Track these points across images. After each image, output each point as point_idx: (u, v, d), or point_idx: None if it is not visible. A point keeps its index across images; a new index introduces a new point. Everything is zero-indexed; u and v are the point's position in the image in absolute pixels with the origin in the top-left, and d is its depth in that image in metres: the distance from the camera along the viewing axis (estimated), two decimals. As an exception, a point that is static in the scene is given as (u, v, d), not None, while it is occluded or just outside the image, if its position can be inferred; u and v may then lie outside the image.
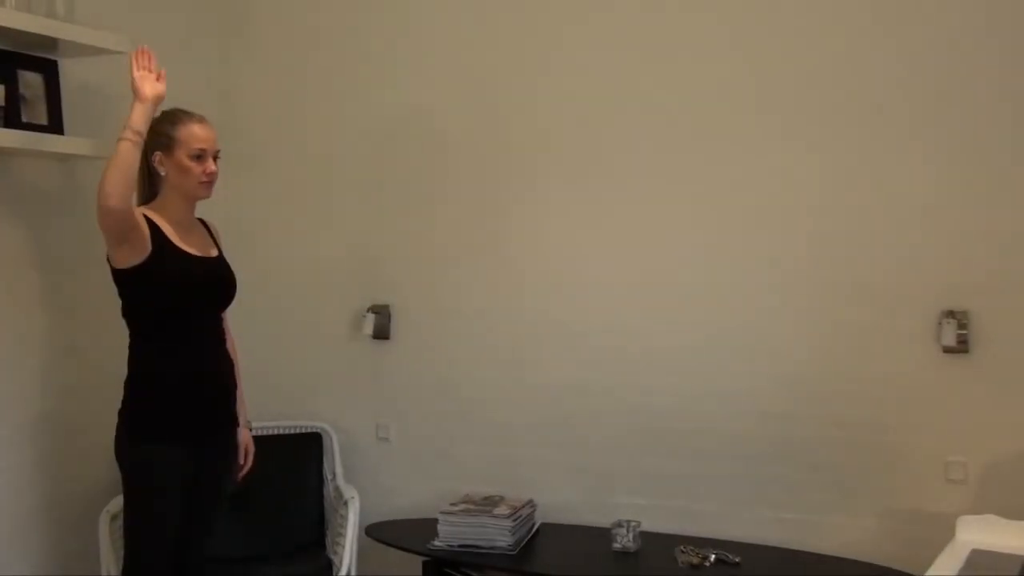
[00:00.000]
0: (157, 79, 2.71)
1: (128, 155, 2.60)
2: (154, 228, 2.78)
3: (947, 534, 2.64)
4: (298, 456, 3.89)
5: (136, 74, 2.67)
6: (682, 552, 3.22)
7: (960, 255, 3.12)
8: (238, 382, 3.08)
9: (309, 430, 3.94)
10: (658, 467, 3.51)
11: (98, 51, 3.28)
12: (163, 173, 2.84)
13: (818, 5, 3.29)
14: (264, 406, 4.07)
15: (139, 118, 2.64)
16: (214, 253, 2.99)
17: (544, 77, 3.68)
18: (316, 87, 4.07)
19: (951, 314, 3.09)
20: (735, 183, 3.40)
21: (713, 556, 3.17)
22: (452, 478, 3.80)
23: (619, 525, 3.30)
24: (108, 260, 2.79)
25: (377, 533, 3.58)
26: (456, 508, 3.42)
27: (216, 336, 2.98)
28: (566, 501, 3.65)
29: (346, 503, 3.66)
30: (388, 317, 3.96)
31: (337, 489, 3.81)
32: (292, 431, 3.94)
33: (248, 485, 3.18)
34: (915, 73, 3.17)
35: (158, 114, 2.79)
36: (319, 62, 4.07)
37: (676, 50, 3.47)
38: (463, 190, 3.84)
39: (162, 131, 2.81)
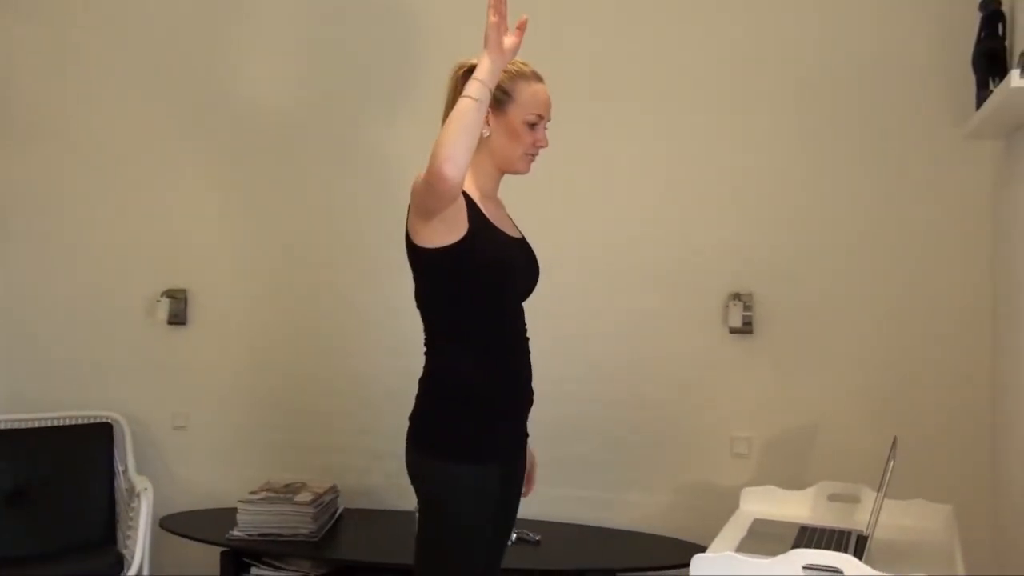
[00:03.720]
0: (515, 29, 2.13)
1: (475, 113, 2.03)
2: (468, 200, 2.21)
3: (732, 505, 2.77)
4: (86, 447, 3.70)
5: (492, 20, 2.06)
6: (484, 532, 3.25)
7: (745, 242, 3.29)
8: None
9: (98, 420, 3.76)
10: (462, 449, 3.53)
11: None
12: (486, 133, 2.26)
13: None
14: (48, 395, 3.88)
15: (490, 72, 2.07)
16: (519, 235, 2.44)
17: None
18: (105, 52, 3.88)
19: (737, 297, 3.26)
20: (533, 170, 3.45)
21: (514, 535, 3.22)
22: (254, 466, 3.71)
23: (422, 508, 3.30)
24: (408, 237, 2.21)
25: (172, 525, 3.45)
26: (256, 496, 3.33)
27: (524, 332, 2.41)
28: (370, 486, 3.63)
29: (138, 495, 3.51)
30: (184, 302, 3.81)
31: (129, 481, 3.65)
32: (79, 421, 3.75)
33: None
34: (704, 65, 3.32)
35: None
36: (107, 21, 3.88)
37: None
38: (271, 168, 3.75)
39: (500, 84, 2.20)
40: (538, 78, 2.31)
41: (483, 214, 2.24)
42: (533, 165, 2.35)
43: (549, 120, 2.33)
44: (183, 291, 3.82)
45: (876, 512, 2.23)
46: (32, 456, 3.64)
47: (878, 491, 2.27)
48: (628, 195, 3.40)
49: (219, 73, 3.78)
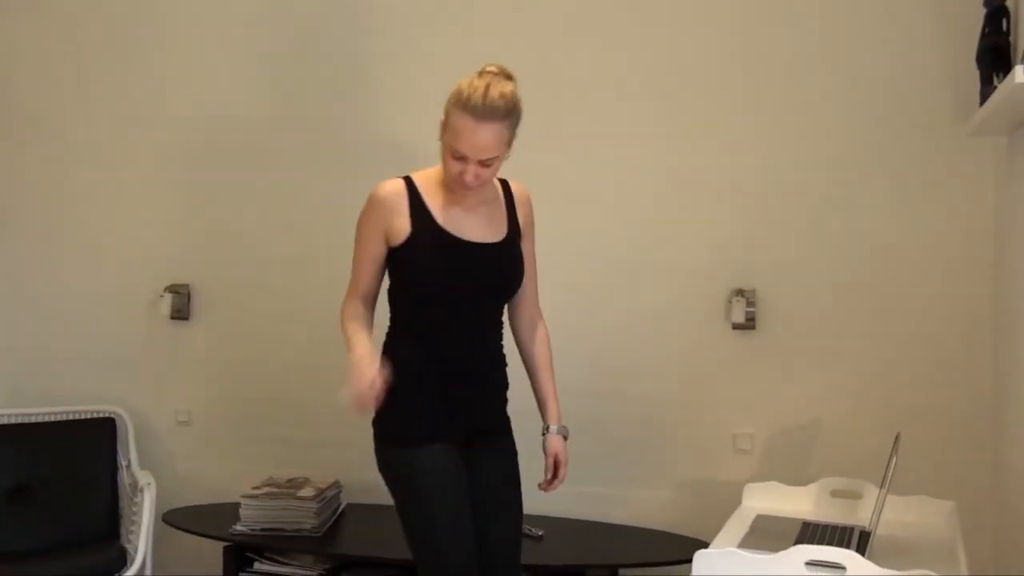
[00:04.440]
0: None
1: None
2: (418, 205, 2.32)
3: (735, 501, 2.78)
4: (89, 443, 3.71)
5: (365, 383, 2.27)
6: (487, 528, 3.26)
7: (748, 238, 3.28)
8: (544, 380, 2.54)
9: (101, 415, 3.76)
10: (464, 445, 3.54)
11: None
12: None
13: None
14: (51, 390, 3.88)
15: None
16: (495, 238, 2.40)
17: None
18: (106, 50, 3.88)
19: (740, 292, 3.26)
20: (535, 166, 3.45)
21: (517, 531, 3.22)
22: (256, 461, 3.71)
23: (425, 503, 3.31)
24: None
25: (175, 520, 3.46)
26: (259, 491, 3.34)
27: (486, 331, 2.43)
28: (373, 481, 3.58)
29: (141, 490, 3.52)
30: (187, 297, 3.82)
31: (132, 476, 3.65)
32: (82, 416, 3.76)
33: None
34: (707, 63, 3.31)
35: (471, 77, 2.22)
36: (110, 20, 3.88)
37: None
38: (273, 163, 3.75)
39: (448, 100, 2.22)
40: (473, 114, 2.16)
41: (432, 218, 2.32)
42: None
43: (482, 158, 2.20)
44: (186, 286, 3.83)
45: (879, 508, 2.23)
46: (35, 451, 3.64)
47: (881, 487, 2.27)
48: (631, 191, 3.39)
49: (221, 71, 3.78)
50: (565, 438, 2.56)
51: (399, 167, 2.52)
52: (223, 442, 3.81)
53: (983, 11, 2.73)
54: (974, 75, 2.79)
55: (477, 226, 2.38)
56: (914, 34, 3.11)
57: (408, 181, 2.37)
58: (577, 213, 3.43)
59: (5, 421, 3.70)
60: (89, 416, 3.76)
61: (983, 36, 2.72)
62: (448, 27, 3.54)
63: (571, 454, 3.42)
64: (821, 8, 3.20)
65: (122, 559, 3.43)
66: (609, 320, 3.41)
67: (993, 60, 2.67)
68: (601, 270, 3.42)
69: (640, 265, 3.38)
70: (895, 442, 2.41)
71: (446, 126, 2.24)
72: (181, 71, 3.82)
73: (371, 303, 2.46)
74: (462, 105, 2.19)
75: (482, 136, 2.18)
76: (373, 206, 2.35)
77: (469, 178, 2.24)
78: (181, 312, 3.81)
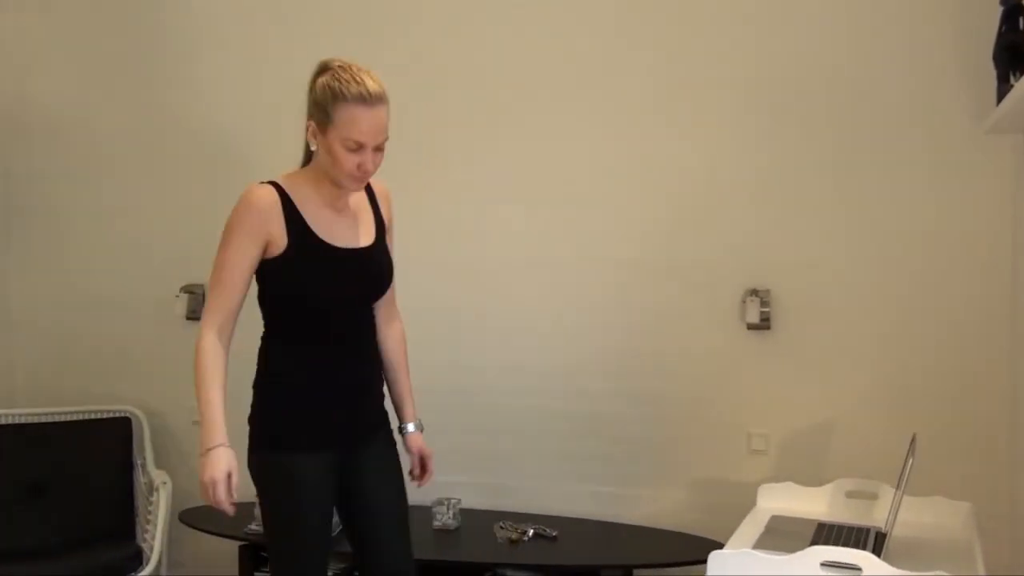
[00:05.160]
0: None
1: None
2: (292, 214, 2.29)
3: (750, 501, 2.77)
4: (105, 442, 3.73)
5: (218, 502, 2.35)
6: (501, 528, 3.26)
7: (763, 238, 3.27)
8: (401, 378, 2.59)
9: (117, 414, 3.78)
10: (477, 444, 3.55)
11: None
12: (313, 147, 2.30)
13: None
14: (68, 389, 3.90)
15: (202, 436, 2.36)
16: (365, 242, 2.40)
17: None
18: (122, 50, 3.90)
19: (755, 292, 3.25)
20: (551, 166, 3.45)
21: (531, 531, 3.23)
22: (270, 461, 3.72)
23: (439, 503, 3.32)
24: None
25: (191, 519, 3.47)
26: (274, 491, 3.34)
27: (360, 334, 2.44)
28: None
29: (157, 489, 3.54)
30: (202, 298, 3.83)
31: (147, 475, 3.67)
32: (98, 415, 3.78)
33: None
34: (722, 62, 3.30)
35: (326, 74, 2.25)
36: (125, 18, 3.91)
37: (506, 35, 3.50)
38: (280, 161, 3.75)
39: (319, 101, 2.24)
40: (363, 100, 2.20)
41: (307, 226, 2.30)
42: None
43: (380, 142, 2.25)
44: (201, 287, 3.84)
45: (895, 509, 2.22)
46: (52, 450, 3.67)
47: (897, 488, 2.26)
48: (645, 192, 3.39)
49: (232, 71, 3.80)
50: (421, 431, 2.63)
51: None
52: (236, 442, 3.79)
53: (1000, 9, 2.71)
54: (991, 73, 2.78)
55: (349, 231, 2.38)
56: (930, 32, 3.10)
57: (279, 188, 2.33)
58: (591, 214, 3.42)
59: (22, 420, 3.73)
60: (105, 416, 3.79)
61: (1000, 34, 2.71)
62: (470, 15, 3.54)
63: (585, 453, 3.45)
64: (837, 6, 3.19)
65: (138, 558, 3.45)
66: (623, 320, 3.41)
67: (1010, 58, 2.65)
68: (614, 271, 3.41)
69: (654, 265, 3.38)
70: (911, 443, 2.40)
71: (330, 125, 2.22)
72: (195, 71, 3.83)
73: (234, 322, 2.41)
74: (348, 97, 2.20)
75: (378, 118, 2.23)
76: (250, 213, 2.28)
77: (370, 166, 2.26)
78: (196, 313, 3.83)
